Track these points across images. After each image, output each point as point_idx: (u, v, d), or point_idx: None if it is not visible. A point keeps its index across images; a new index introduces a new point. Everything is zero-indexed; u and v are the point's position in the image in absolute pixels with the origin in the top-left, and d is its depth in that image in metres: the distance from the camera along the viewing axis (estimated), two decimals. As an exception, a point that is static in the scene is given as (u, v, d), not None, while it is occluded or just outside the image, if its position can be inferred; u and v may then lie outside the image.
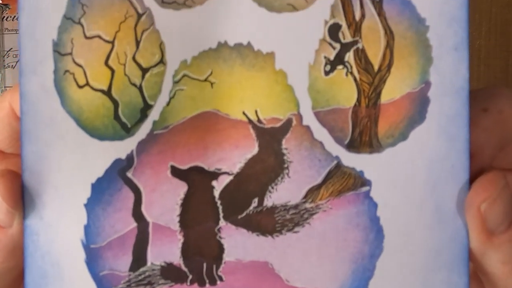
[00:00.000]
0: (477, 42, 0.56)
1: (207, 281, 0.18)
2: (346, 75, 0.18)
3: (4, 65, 0.58)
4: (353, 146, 0.18)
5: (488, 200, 0.17)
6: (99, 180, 0.18)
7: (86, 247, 0.18)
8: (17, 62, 0.56)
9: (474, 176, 0.18)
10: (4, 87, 0.58)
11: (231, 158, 0.18)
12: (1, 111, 0.19)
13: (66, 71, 0.17)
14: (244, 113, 0.18)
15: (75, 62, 0.17)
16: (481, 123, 0.19)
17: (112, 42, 0.18)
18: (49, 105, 0.17)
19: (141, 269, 0.18)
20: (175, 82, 0.18)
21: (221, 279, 0.18)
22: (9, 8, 0.58)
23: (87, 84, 0.17)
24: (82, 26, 0.17)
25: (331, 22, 0.18)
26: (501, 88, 0.20)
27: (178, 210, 0.18)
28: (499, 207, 0.17)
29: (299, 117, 0.18)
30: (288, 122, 0.18)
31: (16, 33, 0.55)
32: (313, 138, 0.18)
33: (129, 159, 0.18)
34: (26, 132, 0.17)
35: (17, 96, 0.19)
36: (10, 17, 0.58)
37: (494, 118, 0.19)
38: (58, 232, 0.18)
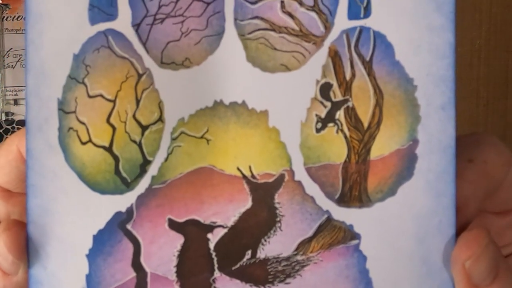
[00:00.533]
0: (477, 42, 0.56)
1: (202, 329, 0.19)
2: (337, 132, 0.19)
3: (4, 65, 0.57)
4: (343, 200, 0.19)
5: (472, 257, 0.18)
6: (100, 232, 0.18)
7: (87, 295, 0.18)
8: (17, 62, 0.57)
9: (460, 228, 0.19)
10: (4, 87, 0.58)
11: (226, 212, 0.19)
12: (9, 154, 0.20)
13: (70, 128, 0.18)
14: (238, 169, 0.19)
15: (78, 120, 0.18)
16: (467, 176, 0.19)
17: (114, 101, 0.18)
18: (54, 160, 0.18)
19: (139, 318, 0.18)
20: (173, 139, 0.18)
21: (215, 327, 0.19)
22: (9, 8, 0.57)
23: (90, 140, 0.18)
24: (86, 85, 0.18)
25: (323, 81, 0.19)
26: (485, 136, 0.21)
27: (175, 261, 0.19)
28: (482, 264, 0.18)
29: (291, 172, 0.19)
30: (281, 178, 0.19)
31: (16, 33, 0.56)
32: (305, 193, 0.19)
33: (129, 212, 0.18)
34: (31, 186, 0.18)
35: (24, 140, 0.20)
36: (10, 17, 0.58)
37: (479, 169, 0.19)
38: (61, 282, 0.18)
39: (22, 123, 0.58)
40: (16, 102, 0.58)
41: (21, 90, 0.58)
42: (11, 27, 0.58)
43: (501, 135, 0.57)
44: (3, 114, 0.58)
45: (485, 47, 0.56)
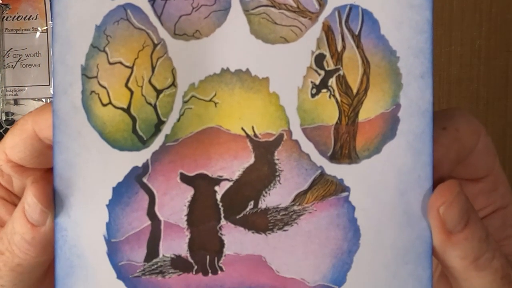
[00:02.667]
0: (477, 42, 0.56)
1: (209, 271, 0.21)
2: (329, 97, 0.21)
3: (4, 65, 0.56)
4: (335, 157, 0.21)
5: (445, 203, 0.20)
6: (119, 184, 0.21)
7: (108, 241, 0.21)
8: (17, 62, 0.56)
9: (435, 185, 0.21)
10: (4, 87, 0.57)
11: (231, 167, 0.21)
12: (23, 133, 0.22)
13: (92, 91, 0.21)
14: (242, 129, 0.21)
15: (100, 84, 0.21)
16: (441, 141, 0.22)
17: (132, 68, 0.21)
18: (77, 120, 0.21)
19: (154, 260, 0.21)
20: (184, 102, 0.21)
21: (221, 269, 0.21)
22: (9, 8, 0.56)
23: (110, 103, 0.21)
24: (106, 53, 0.21)
25: (317, 52, 0.21)
26: (458, 109, 0.23)
27: (185, 211, 0.21)
28: (455, 209, 0.20)
29: (289, 132, 0.21)
30: (280, 137, 0.21)
31: (16, 33, 0.56)
32: (301, 151, 0.21)
33: (145, 167, 0.21)
34: (57, 143, 0.21)
35: (38, 119, 0.22)
36: (10, 17, 0.57)
37: (451, 135, 0.22)
38: (84, 229, 0.21)
39: None
40: (16, 102, 0.57)
41: (21, 90, 0.57)
42: (11, 27, 0.57)
43: (501, 135, 0.57)
44: (3, 114, 0.57)
45: (485, 47, 0.56)
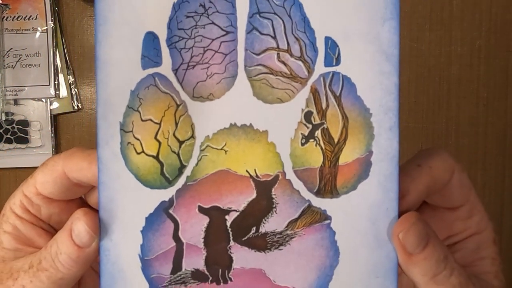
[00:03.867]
0: (477, 42, 0.57)
1: (221, 281, 0.27)
2: (315, 145, 0.26)
3: (4, 65, 0.57)
4: (320, 193, 0.27)
5: (403, 231, 0.26)
6: (150, 215, 0.26)
7: (142, 259, 0.27)
8: (17, 62, 0.56)
9: (403, 212, 0.27)
10: (4, 87, 0.57)
11: (238, 201, 0.27)
12: (54, 173, 0.27)
13: (129, 143, 0.26)
14: (247, 171, 0.26)
15: (134, 137, 0.26)
16: (413, 175, 0.27)
17: (159, 123, 0.26)
18: (117, 165, 0.26)
19: (178, 273, 0.27)
20: (201, 150, 0.26)
21: (230, 280, 0.27)
22: (9, 8, 0.57)
23: (143, 151, 0.26)
24: (139, 112, 0.26)
25: (306, 110, 0.26)
26: (437, 149, 0.28)
27: (202, 235, 0.27)
28: (412, 235, 0.25)
29: (284, 174, 0.27)
30: (276, 177, 0.27)
31: (16, 33, 0.56)
32: (293, 188, 0.27)
33: (170, 201, 0.26)
34: (101, 184, 0.26)
35: (68, 162, 0.27)
36: (10, 17, 0.57)
37: (424, 171, 0.27)
38: (123, 249, 0.27)
39: (22, 123, 0.57)
40: (16, 102, 0.57)
41: (21, 90, 0.57)
42: (11, 27, 0.57)
43: (501, 135, 0.58)
44: (3, 114, 0.57)
45: (485, 47, 0.57)
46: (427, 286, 0.26)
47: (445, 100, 0.57)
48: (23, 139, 0.58)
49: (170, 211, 0.27)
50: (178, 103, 0.26)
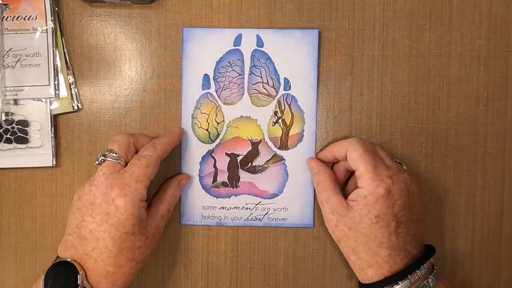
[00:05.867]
0: (477, 42, 0.56)
1: (234, 187, 0.59)
2: (278, 126, 0.59)
3: (4, 65, 0.55)
4: (280, 148, 0.59)
5: (311, 160, 0.58)
6: (203, 156, 0.59)
7: (199, 175, 0.59)
8: (17, 62, 0.56)
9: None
10: (4, 87, 0.56)
11: (243, 151, 0.59)
12: (171, 146, 0.60)
13: (195, 123, 0.59)
14: (247, 137, 0.59)
15: (197, 120, 0.59)
16: (329, 149, 0.59)
17: (208, 114, 0.58)
18: (189, 133, 0.59)
19: (215, 183, 0.59)
20: (227, 127, 0.59)
21: (238, 186, 0.59)
22: (9, 8, 0.55)
23: (201, 127, 0.59)
24: (199, 109, 0.58)
25: (274, 110, 0.59)
26: (353, 138, 0.59)
27: (226, 165, 0.59)
28: (309, 161, 0.58)
29: (264, 139, 0.59)
30: (260, 140, 0.59)
31: (16, 33, 0.55)
32: (268, 145, 0.59)
33: (212, 149, 0.59)
34: (183, 145, 0.59)
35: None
36: (10, 17, 0.56)
37: (333, 148, 0.60)
38: (192, 171, 0.59)
39: (22, 123, 0.57)
40: (16, 102, 0.56)
41: (20, 90, 0.56)
42: (11, 27, 0.56)
43: (501, 135, 0.57)
44: (3, 114, 0.56)
45: (485, 47, 0.56)
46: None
47: (445, 100, 0.57)
48: (23, 139, 0.57)
49: (212, 154, 0.59)
50: (217, 106, 0.59)
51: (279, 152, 0.59)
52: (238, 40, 0.57)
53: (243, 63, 0.58)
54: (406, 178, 0.49)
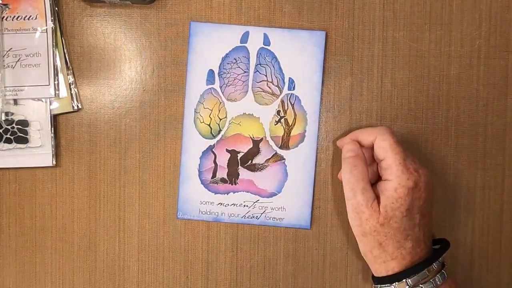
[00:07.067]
0: (477, 42, 0.56)
1: (233, 183, 0.59)
2: (280, 126, 0.59)
3: (4, 65, 0.56)
4: (281, 147, 0.59)
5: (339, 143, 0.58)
6: (203, 151, 0.59)
7: (199, 170, 0.59)
8: (17, 62, 0.55)
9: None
10: (4, 87, 0.56)
11: (244, 148, 0.59)
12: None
13: (197, 118, 0.59)
14: (249, 135, 0.59)
15: (200, 115, 0.59)
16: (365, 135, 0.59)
17: (211, 110, 0.59)
18: (192, 129, 0.59)
19: (214, 178, 0.59)
20: (229, 124, 0.59)
21: (237, 183, 0.59)
22: (9, 8, 0.55)
23: (203, 122, 0.59)
24: (203, 104, 0.58)
25: (278, 109, 0.59)
26: (382, 127, 0.52)
27: (227, 162, 0.59)
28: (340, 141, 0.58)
29: (265, 137, 0.59)
30: (262, 139, 0.59)
31: (16, 33, 0.55)
32: (269, 144, 0.59)
33: (213, 145, 0.59)
34: (184, 137, 0.59)
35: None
36: (10, 17, 0.56)
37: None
38: (191, 165, 0.59)
39: (21, 123, 0.57)
40: (16, 102, 0.56)
41: (20, 90, 0.56)
42: (11, 27, 0.56)
43: (501, 135, 0.57)
44: (3, 114, 0.56)
45: (485, 47, 0.56)
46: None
47: (444, 100, 0.57)
48: (23, 139, 0.56)
49: (213, 149, 0.59)
50: (220, 102, 0.59)
51: (279, 151, 0.59)
52: (245, 38, 0.57)
53: (248, 60, 0.58)
54: (427, 171, 0.50)
